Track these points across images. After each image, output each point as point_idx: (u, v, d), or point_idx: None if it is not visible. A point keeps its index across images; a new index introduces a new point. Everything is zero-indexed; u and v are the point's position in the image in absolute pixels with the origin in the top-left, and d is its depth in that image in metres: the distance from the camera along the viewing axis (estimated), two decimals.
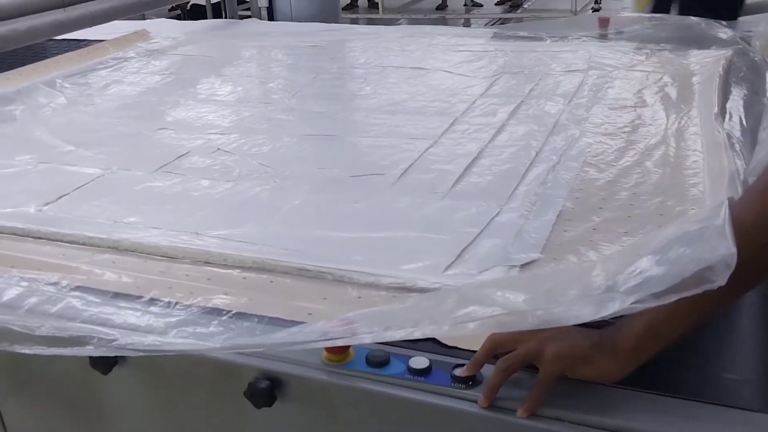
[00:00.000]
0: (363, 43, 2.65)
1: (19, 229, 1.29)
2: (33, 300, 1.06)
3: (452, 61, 2.33)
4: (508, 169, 1.44)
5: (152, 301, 1.05)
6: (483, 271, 1.07)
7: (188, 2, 6.16)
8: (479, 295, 0.81)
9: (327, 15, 3.73)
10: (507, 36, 2.64)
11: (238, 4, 4.44)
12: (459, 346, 0.90)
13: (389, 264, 1.10)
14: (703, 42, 2.34)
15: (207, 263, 1.16)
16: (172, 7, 6.01)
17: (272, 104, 2.00)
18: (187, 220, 1.29)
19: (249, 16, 4.12)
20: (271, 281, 1.10)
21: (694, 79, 1.96)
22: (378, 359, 0.86)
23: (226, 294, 1.06)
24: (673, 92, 1.87)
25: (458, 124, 1.73)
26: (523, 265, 1.09)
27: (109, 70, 2.45)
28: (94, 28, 2.63)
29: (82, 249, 1.22)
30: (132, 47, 2.75)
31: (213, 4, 5.95)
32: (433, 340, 0.90)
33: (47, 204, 1.39)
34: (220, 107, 1.98)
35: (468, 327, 0.79)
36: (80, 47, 2.73)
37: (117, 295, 1.06)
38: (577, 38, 2.50)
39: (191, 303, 1.03)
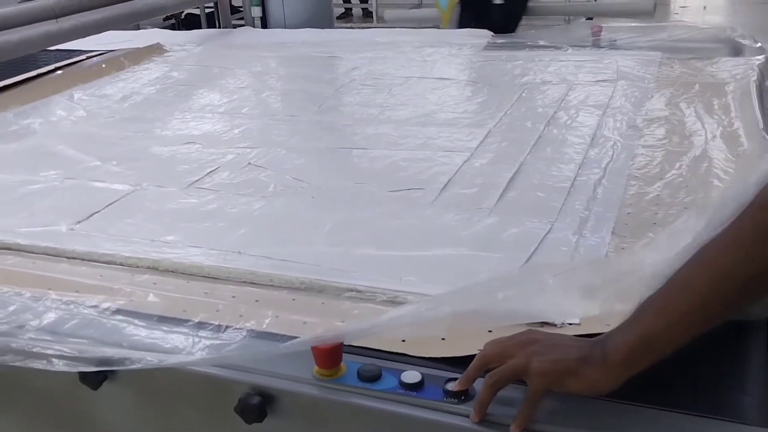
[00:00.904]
0: (382, 52, 2.61)
1: (52, 248, 1.25)
2: (74, 323, 1.02)
3: (476, 71, 2.30)
4: (552, 184, 1.40)
5: (201, 324, 1.00)
6: None
7: (182, 12, 6.12)
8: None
9: (321, 24, 3.70)
10: (526, 45, 2.61)
11: (232, 14, 4.41)
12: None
13: (444, 284, 1.06)
14: (728, 50, 2.33)
15: (252, 284, 1.11)
16: (166, 17, 5.98)
17: (298, 117, 1.96)
18: (227, 239, 1.25)
19: (242, 25, 4.09)
20: (323, 303, 1.06)
21: (728, 88, 1.92)
22: (370, 373, 0.85)
23: (277, 317, 1.02)
24: (708, 102, 1.83)
25: (492, 136, 1.70)
26: None
27: (127, 82, 2.42)
28: (88, 38, 2.61)
29: (121, 270, 1.18)
30: (147, 60, 2.72)
31: (207, 14, 5.92)
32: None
33: (79, 222, 1.35)
34: (245, 120, 1.94)
35: (548, 283, 0.82)
36: (67, 58, 2.70)
37: (163, 319, 1.02)
38: (600, 47, 2.48)
39: (242, 326, 0.99)
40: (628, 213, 1.27)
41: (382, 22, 7.64)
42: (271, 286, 1.11)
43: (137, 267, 1.18)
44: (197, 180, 1.53)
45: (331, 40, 2.88)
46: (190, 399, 0.94)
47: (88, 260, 1.21)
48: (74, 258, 1.22)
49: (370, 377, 0.85)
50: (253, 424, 0.87)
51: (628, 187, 1.38)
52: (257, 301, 1.07)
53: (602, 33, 2.58)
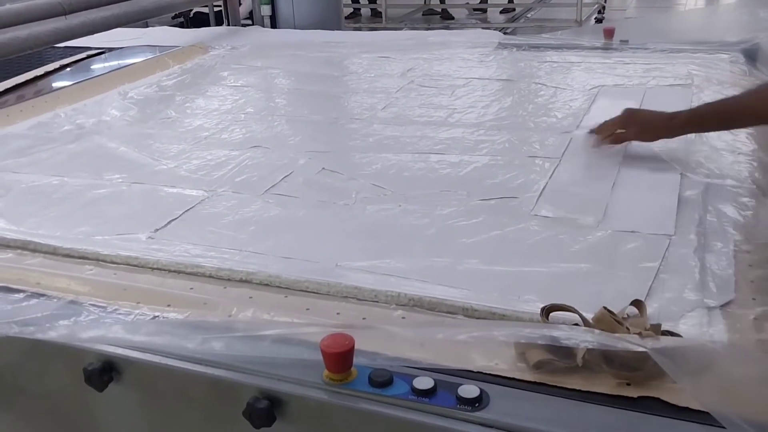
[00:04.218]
0: (436, 52, 2.54)
1: (134, 258, 1.18)
2: (173, 340, 0.94)
3: (537, 72, 2.22)
4: (658, 195, 1.31)
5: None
6: (683, 316, 0.95)
7: (191, 10, 6.05)
8: None
9: (329, 24, 3.67)
10: (563, 46, 2.53)
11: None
12: None
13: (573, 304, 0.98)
14: None
15: (357, 299, 1.04)
16: (175, 15, 5.92)
17: (363, 119, 1.89)
18: (320, 250, 1.18)
19: (251, 24, 4.03)
20: (436, 323, 0.98)
21: None
22: (381, 379, 0.83)
23: (391, 338, 0.94)
24: None
25: (576, 141, 1.61)
26: (722, 306, 0.97)
27: (174, 82, 2.35)
28: (97, 35, 2.54)
29: (211, 282, 1.11)
30: (191, 60, 2.65)
31: (216, 12, 5.85)
32: None
33: (157, 230, 1.28)
34: (308, 123, 1.87)
35: None
36: (74, 54, 2.67)
37: (276, 340, 0.94)
38: (663, 50, 2.39)
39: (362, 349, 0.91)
40: (745, 225, 1.19)
41: (391, 23, 7.55)
42: (376, 302, 1.03)
43: (229, 280, 1.11)
44: (273, 186, 1.45)
45: (389, 39, 2.81)
46: (197, 402, 0.92)
47: (175, 271, 1.14)
48: (159, 269, 1.15)
49: (382, 382, 0.82)
50: (262, 428, 0.84)
51: (736, 197, 1.30)
52: (365, 318, 1.00)
53: (614, 36, 2.49)
